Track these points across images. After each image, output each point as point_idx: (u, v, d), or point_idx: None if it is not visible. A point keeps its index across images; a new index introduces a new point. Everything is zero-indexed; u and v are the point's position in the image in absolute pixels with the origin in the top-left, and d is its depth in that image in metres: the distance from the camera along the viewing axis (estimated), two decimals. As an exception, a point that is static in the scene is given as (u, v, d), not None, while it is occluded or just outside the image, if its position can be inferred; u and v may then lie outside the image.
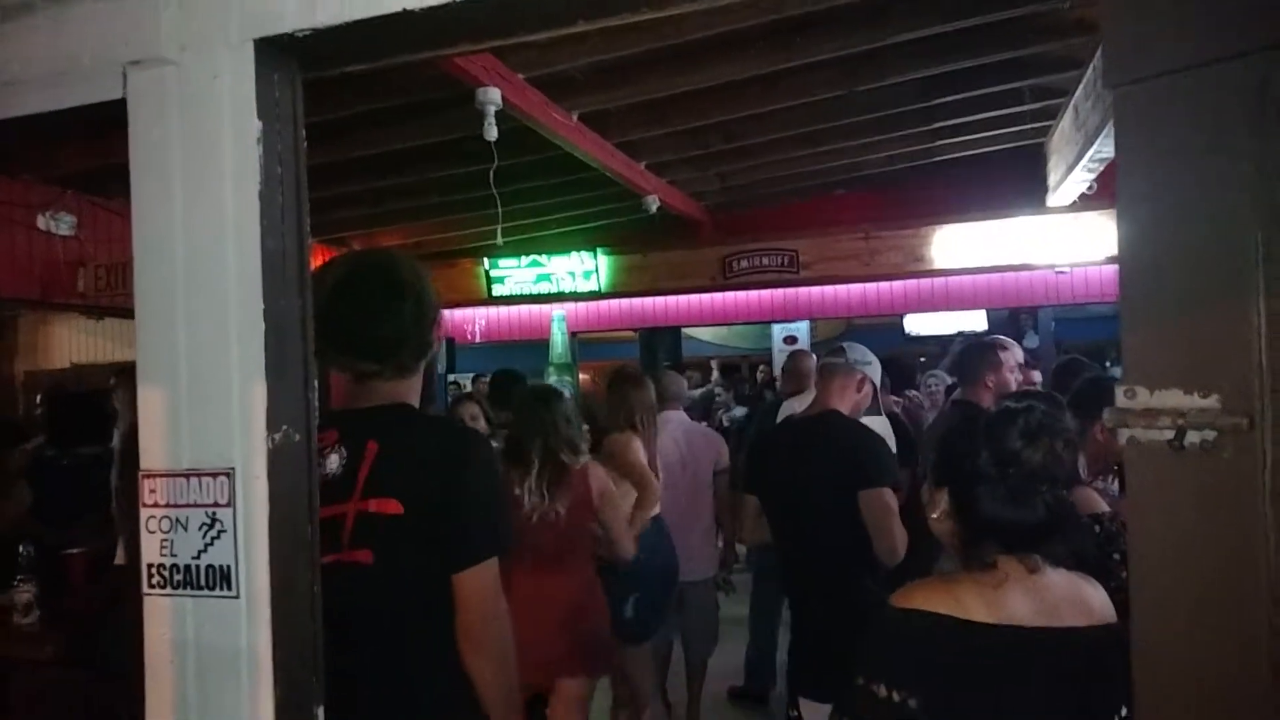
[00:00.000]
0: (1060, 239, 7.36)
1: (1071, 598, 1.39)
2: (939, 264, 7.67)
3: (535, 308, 9.14)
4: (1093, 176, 5.94)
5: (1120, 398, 1.04)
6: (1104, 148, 5.20)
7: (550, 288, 8.74)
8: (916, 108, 5.94)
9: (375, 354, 1.75)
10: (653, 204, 6.53)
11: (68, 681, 3.14)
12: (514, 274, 8.81)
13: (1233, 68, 0.95)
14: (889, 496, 2.64)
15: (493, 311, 9.25)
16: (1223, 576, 0.95)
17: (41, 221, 5.44)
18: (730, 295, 8.58)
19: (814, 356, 4.53)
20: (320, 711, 1.55)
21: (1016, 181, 7.25)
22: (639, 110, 5.58)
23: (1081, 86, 5.34)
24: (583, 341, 9.76)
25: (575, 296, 8.73)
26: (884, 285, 8.19)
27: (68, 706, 3.15)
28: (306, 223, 1.62)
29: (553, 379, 8.85)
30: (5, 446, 3.73)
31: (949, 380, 5.44)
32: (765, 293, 8.47)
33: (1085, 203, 6.70)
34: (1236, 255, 0.96)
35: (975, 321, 10.28)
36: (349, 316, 1.73)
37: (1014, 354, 3.66)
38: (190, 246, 1.56)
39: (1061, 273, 7.75)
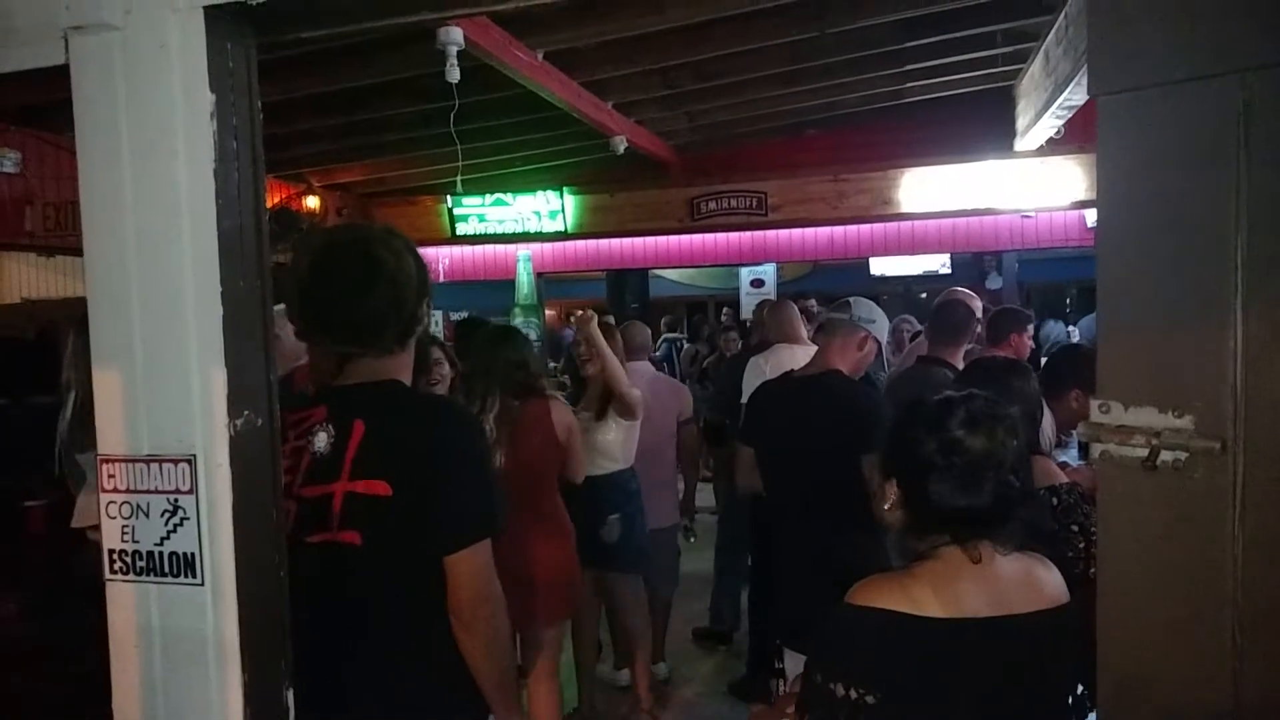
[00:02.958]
0: (1026, 183, 7.37)
1: (1023, 583, 1.41)
2: (906, 207, 7.66)
3: (500, 247, 9.02)
4: (1061, 122, 5.92)
5: (1095, 412, 1.04)
6: (1073, 95, 5.17)
7: (515, 228, 8.60)
8: (889, 49, 5.86)
9: (354, 338, 1.69)
10: (620, 144, 6.42)
11: (29, 638, 3.12)
12: (478, 213, 8.65)
13: (1215, 86, 0.93)
14: None
15: (456, 251, 9.12)
16: (1190, 595, 0.96)
17: (-16, 158, 5.24)
18: (698, 237, 8.52)
19: (790, 306, 4.45)
20: (289, 694, 1.55)
21: (984, 125, 7.22)
22: (607, 49, 5.44)
23: (1053, 32, 5.29)
24: (549, 280, 9.67)
25: (541, 237, 8.61)
26: (851, 228, 8.18)
27: (32, 660, 3.14)
28: (264, 200, 1.57)
29: (518, 320, 8.79)
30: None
31: (918, 326, 5.48)
32: (733, 235, 8.42)
33: (1052, 147, 6.71)
34: (1215, 276, 0.95)
35: (939, 264, 10.34)
36: (325, 299, 1.67)
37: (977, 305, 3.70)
38: (142, 227, 1.50)
39: (1027, 217, 7.78)
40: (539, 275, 9.12)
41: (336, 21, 1.59)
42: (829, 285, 8.60)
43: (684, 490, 4.42)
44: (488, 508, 1.68)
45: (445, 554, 1.62)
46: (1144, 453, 0.97)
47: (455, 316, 8.64)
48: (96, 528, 2.96)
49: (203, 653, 1.49)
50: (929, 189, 7.61)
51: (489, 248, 9.07)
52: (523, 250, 8.98)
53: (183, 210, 1.48)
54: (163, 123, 1.49)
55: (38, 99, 4.93)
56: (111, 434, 1.53)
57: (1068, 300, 13.67)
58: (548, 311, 10.54)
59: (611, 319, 5.79)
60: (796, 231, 8.28)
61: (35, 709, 3.10)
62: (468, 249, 9.11)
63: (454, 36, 3.84)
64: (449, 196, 8.60)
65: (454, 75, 3.98)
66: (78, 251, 4.88)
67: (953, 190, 7.56)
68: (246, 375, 1.51)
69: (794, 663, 2.72)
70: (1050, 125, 6.03)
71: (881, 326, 2.94)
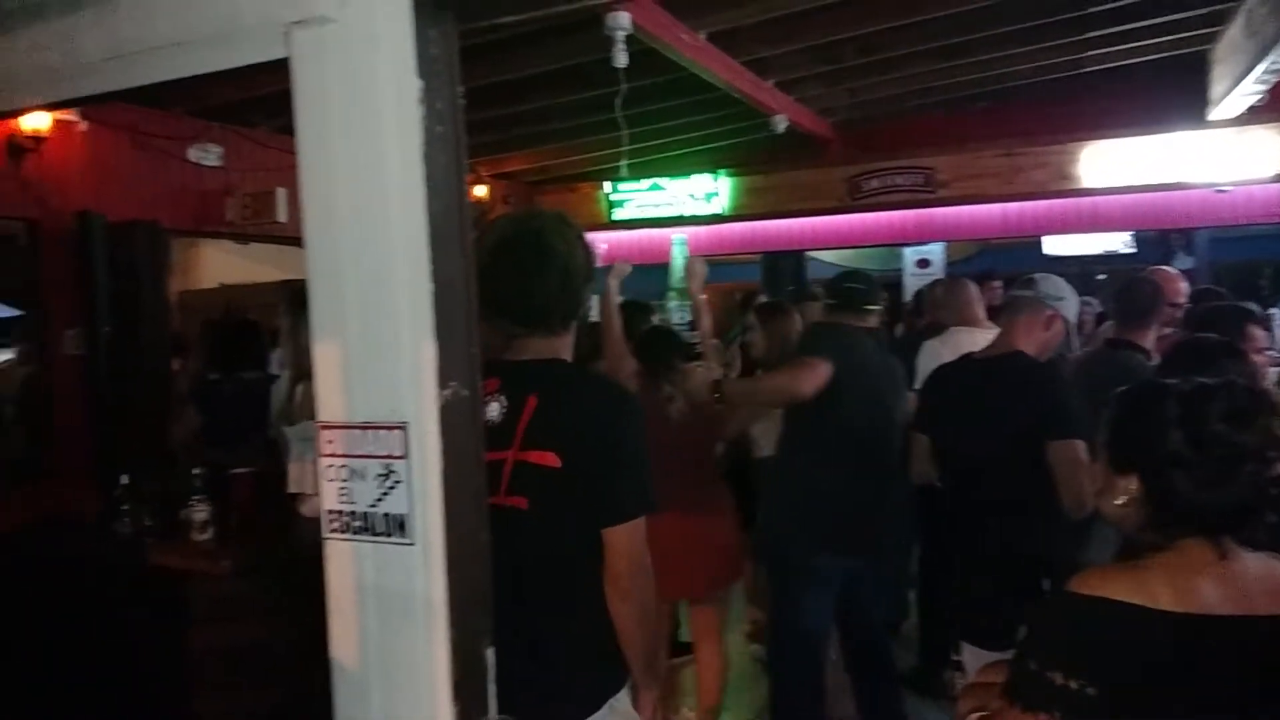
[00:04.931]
0: (1222, 155, 6.80)
1: (1267, 582, 1.31)
2: (1086, 183, 7.21)
3: (656, 231, 9.08)
4: (1265, 89, 5.44)
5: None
6: (1282, 57, 4.75)
7: (670, 212, 8.66)
8: (1068, 16, 5.53)
9: (524, 319, 1.84)
10: (781, 123, 6.35)
11: (244, 592, 3.39)
12: (635, 198, 8.75)
13: None
14: (1081, 450, 2.47)
15: (614, 235, 9.25)
16: None
17: (192, 153, 5.68)
18: (859, 216, 8.30)
19: (969, 285, 4.25)
20: (490, 654, 1.62)
21: (1174, 94, 6.70)
22: (769, 27, 5.39)
23: (1259, -12, 4.85)
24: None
25: (697, 220, 8.62)
26: (1025, 205, 7.76)
27: (245, 615, 3.41)
28: (465, 180, 1.64)
29: (673, 304, 8.83)
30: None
31: (1099, 308, 5.18)
32: (897, 214, 8.15)
33: (1252, 116, 6.17)
34: None
35: (1120, 242, 9.71)
36: (501, 281, 1.80)
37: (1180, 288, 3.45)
38: (357, 209, 1.59)
39: (1222, 191, 7.19)
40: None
41: (532, 6, 1.64)
42: (998, 266, 8.19)
43: None
44: (647, 486, 1.79)
45: (607, 525, 1.73)
46: None
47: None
48: (305, 496, 3.24)
49: (413, 609, 1.58)
50: (1112, 162, 7.14)
51: (645, 232, 9.15)
52: (677, 234, 8.99)
53: (393, 193, 1.56)
54: (374, 109, 1.57)
55: (236, 96, 5.33)
56: (330, 403, 1.64)
57: (1261, 282, 12.55)
58: (701, 295, 10.55)
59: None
60: (965, 209, 7.93)
61: (252, 659, 3.38)
62: (625, 233, 9.22)
63: (622, 21, 3.89)
64: (606, 182, 8.73)
65: (621, 60, 4.04)
66: (271, 239, 5.24)
67: (1138, 163, 7.06)
68: (453, 348, 1.58)
69: (973, 657, 2.64)
70: (1252, 92, 5.55)
71: (1070, 305, 2.79)
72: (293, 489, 3.30)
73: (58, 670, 3.73)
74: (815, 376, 2.90)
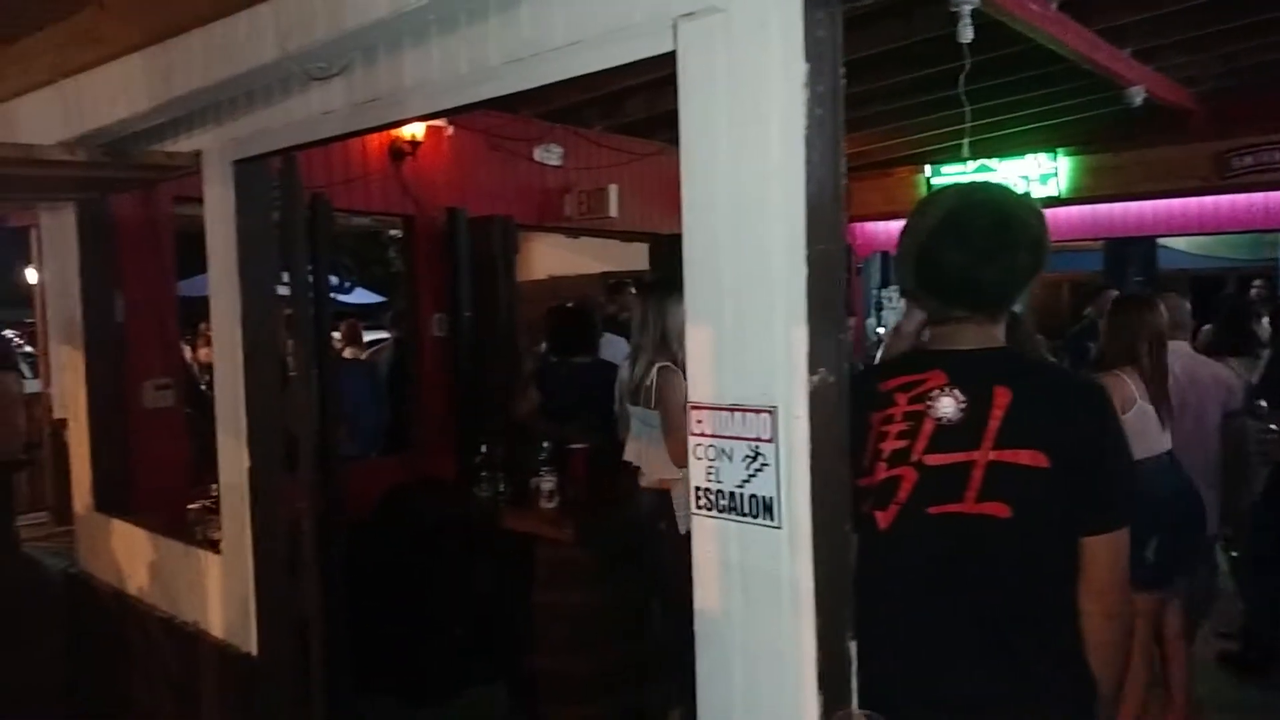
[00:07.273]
0: None
1: None
2: None
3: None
4: None
5: None
6: None
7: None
8: None
9: (974, 301, 1.66)
10: (1137, 95, 5.70)
11: (582, 558, 3.63)
12: (960, 180, 8.30)
13: None
14: None
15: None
16: None
17: (536, 153, 6.16)
18: (1226, 198, 7.29)
19: None
20: (852, 646, 1.59)
21: None
22: (1126, -9, 4.89)
23: None
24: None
25: (1029, 203, 7.99)
26: None
27: (583, 579, 3.65)
28: (843, 163, 1.60)
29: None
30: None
31: None
32: (1273, 195, 7.06)
33: None
34: None
35: None
36: (953, 258, 1.64)
37: None
38: (735, 193, 1.62)
39: None
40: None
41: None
42: None
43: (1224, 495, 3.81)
44: (1131, 493, 1.65)
45: (1091, 534, 1.58)
46: None
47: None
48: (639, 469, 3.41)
49: (778, 593, 1.58)
50: None
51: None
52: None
53: (773, 178, 1.57)
54: (759, 95, 1.58)
55: (577, 100, 5.69)
56: (702, 384, 1.68)
57: None
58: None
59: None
60: (1367, 189, 6.74)
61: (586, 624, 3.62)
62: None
63: (970, -7, 3.68)
64: (927, 166, 8.34)
65: (967, 34, 3.82)
66: (602, 233, 5.56)
67: None
68: (822, 334, 1.56)
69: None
70: None
71: None
72: (628, 457, 3.52)
73: (421, 610, 4.22)
74: None
